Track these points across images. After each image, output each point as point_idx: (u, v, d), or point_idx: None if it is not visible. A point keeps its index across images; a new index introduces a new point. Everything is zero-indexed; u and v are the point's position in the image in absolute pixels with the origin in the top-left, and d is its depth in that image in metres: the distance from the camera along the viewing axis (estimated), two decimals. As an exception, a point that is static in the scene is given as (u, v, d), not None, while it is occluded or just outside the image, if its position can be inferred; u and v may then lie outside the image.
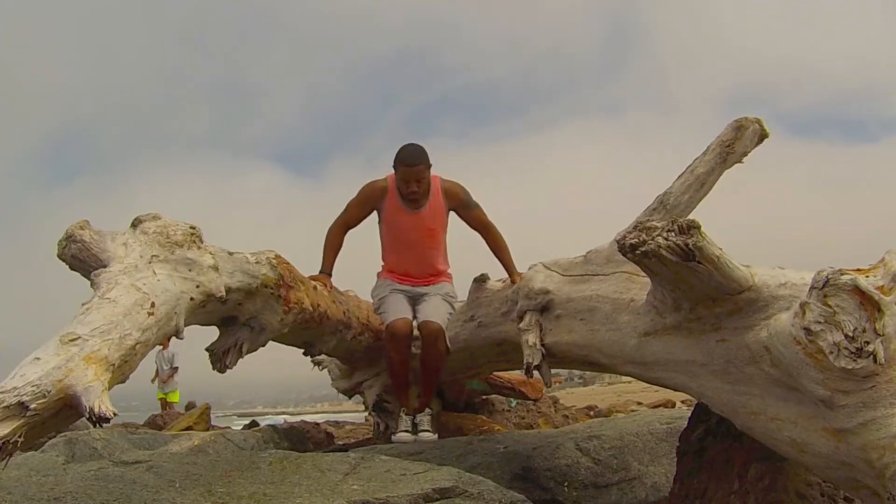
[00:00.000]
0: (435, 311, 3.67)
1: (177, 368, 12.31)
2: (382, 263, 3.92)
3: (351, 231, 3.86)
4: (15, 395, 1.77)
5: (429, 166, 3.63)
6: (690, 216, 2.61)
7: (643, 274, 2.35)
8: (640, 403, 12.52)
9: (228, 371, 3.04)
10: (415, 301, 3.76)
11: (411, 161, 3.57)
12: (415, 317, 3.74)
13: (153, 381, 12.38)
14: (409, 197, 3.62)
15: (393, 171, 3.68)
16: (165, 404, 12.16)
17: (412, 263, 3.81)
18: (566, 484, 3.49)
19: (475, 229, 3.84)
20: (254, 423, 11.38)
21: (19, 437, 1.77)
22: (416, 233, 3.73)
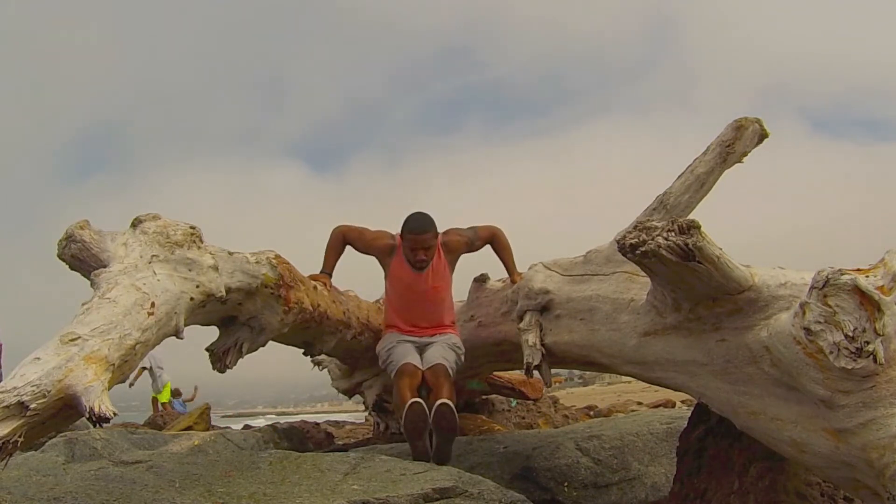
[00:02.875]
0: (441, 355, 3.65)
1: (143, 369, 12.07)
2: (386, 317, 3.93)
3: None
4: (15, 395, 1.77)
5: (436, 235, 3.64)
6: (690, 216, 2.61)
7: (643, 274, 2.35)
8: (640, 403, 12.50)
9: (228, 371, 3.04)
10: (421, 350, 3.74)
11: (420, 230, 3.59)
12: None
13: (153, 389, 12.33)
14: (416, 265, 3.65)
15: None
16: (156, 404, 12.14)
17: (418, 316, 3.80)
18: (566, 484, 3.49)
19: (485, 245, 3.85)
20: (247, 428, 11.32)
21: (19, 436, 1.77)
22: (421, 291, 3.74)
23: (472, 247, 3.79)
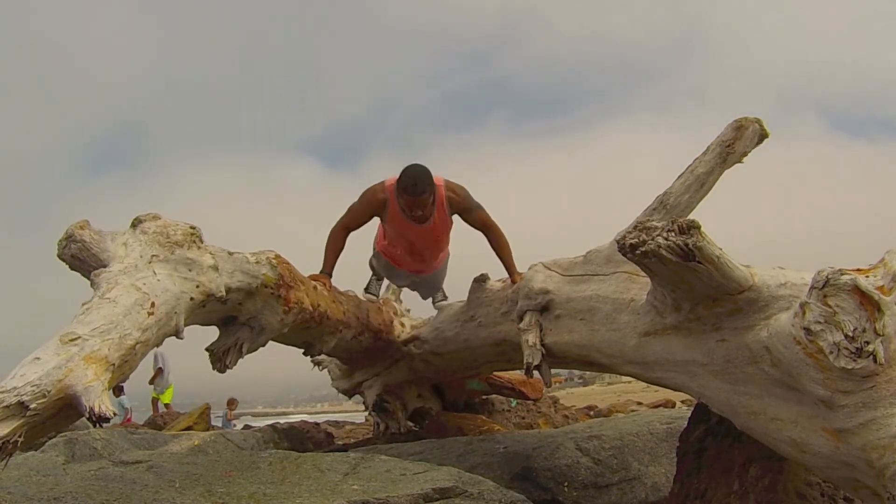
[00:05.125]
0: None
1: (160, 370, 12.23)
2: (383, 241, 4.05)
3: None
4: (15, 395, 1.77)
5: (433, 191, 3.57)
6: (690, 216, 2.61)
7: (643, 274, 2.35)
8: (640, 403, 12.50)
9: (228, 371, 3.04)
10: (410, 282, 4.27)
11: (416, 192, 3.50)
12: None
13: (150, 382, 12.38)
14: (414, 220, 3.65)
15: (394, 178, 3.65)
16: (156, 404, 12.16)
17: (411, 259, 4.01)
18: (566, 484, 3.49)
19: (477, 229, 3.85)
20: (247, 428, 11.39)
21: (19, 436, 1.77)
22: (421, 240, 3.82)
23: (469, 212, 3.76)
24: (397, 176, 3.62)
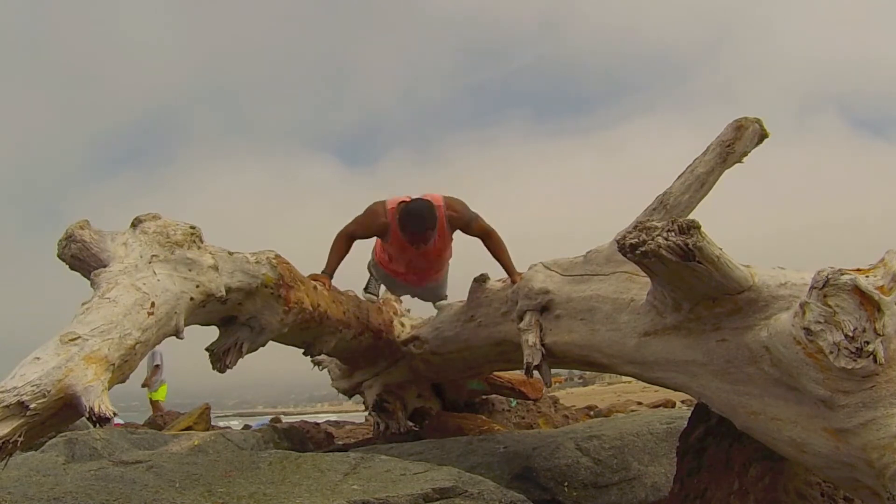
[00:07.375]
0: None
1: (157, 367, 12.15)
2: (383, 255, 4.12)
3: None
4: (15, 395, 1.77)
5: (435, 226, 3.64)
6: (690, 216, 2.61)
7: (643, 274, 2.35)
8: (640, 403, 12.49)
9: (228, 371, 3.04)
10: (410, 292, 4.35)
11: (419, 233, 3.59)
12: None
13: (143, 385, 12.33)
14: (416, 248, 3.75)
15: (395, 200, 3.72)
16: (153, 405, 12.11)
17: (414, 274, 4.11)
18: (566, 484, 3.48)
19: (476, 237, 3.89)
20: (247, 428, 11.35)
21: (19, 436, 1.77)
22: (422, 259, 3.91)
23: (468, 226, 3.84)
24: (399, 198, 3.71)
